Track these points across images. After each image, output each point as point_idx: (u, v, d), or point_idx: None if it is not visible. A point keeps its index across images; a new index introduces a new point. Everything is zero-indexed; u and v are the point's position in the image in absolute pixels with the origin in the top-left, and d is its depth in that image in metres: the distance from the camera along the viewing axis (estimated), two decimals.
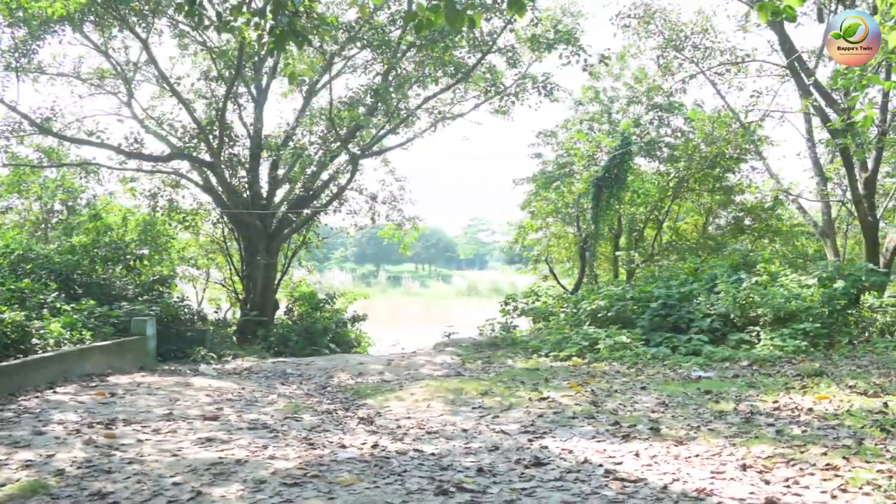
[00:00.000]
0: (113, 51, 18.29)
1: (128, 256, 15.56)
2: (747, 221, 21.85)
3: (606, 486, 4.69)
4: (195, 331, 13.19)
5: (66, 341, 9.61)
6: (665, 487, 4.63)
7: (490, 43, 17.20)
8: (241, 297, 17.64)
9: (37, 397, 7.73)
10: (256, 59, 17.92)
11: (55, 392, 8.05)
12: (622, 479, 4.82)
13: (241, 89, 18.02)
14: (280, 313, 17.70)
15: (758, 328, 11.22)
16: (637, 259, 20.66)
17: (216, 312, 16.87)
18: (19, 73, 16.21)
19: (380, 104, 15.92)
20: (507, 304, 15.28)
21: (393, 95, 16.28)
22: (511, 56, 17.73)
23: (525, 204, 22.53)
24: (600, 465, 5.17)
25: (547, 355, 11.30)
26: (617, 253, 20.93)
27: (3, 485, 4.88)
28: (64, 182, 20.15)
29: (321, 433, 6.30)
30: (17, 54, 16.19)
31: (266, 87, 18.26)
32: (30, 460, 5.37)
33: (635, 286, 13.60)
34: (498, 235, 79.36)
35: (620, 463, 5.26)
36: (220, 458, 5.36)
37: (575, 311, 13.46)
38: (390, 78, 16.62)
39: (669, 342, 11.11)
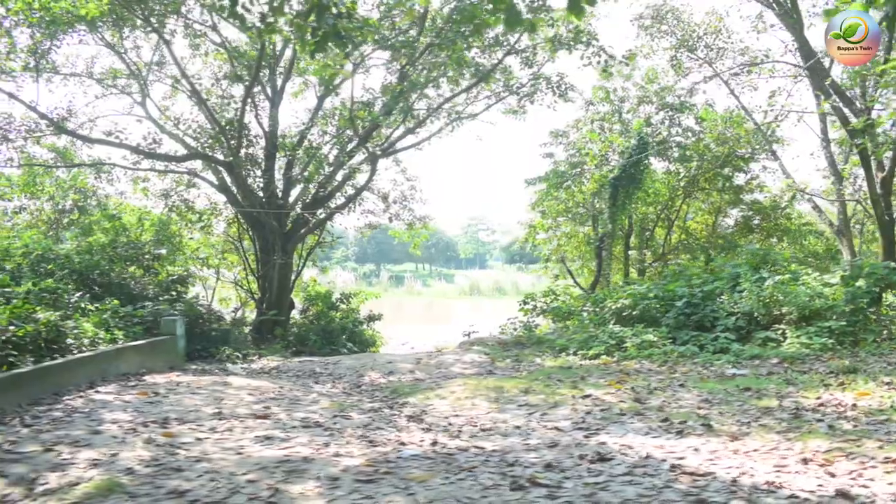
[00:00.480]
0: (128, 51, 18.30)
1: (145, 256, 15.62)
2: (756, 220, 21.98)
3: (676, 479, 4.75)
4: (219, 330, 13.23)
5: (100, 341, 9.65)
6: (735, 481, 4.69)
7: (507, 44, 17.27)
8: (256, 296, 17.67)
9: (81, 397, 7.77)
10: (271, 59, 17.97)
11: (97, 391, 8.09)
12: (690, 474, 4.88)
13: (256, 89, 18.03)
14: (294, 313, 17.74)
15: (783, 326, 11.31)
16: (648, 258, 20.79)
17: (233, 312, 16.91)
18: (38, 74, 16.21)
19: (401, 103, 15.95)
20: (525, 303, 15.36)
21: (412, 96, 16.36)
22: (527, 57, 17.80)
23: (536, 203, 22.63)
24: (664, 461, 5.24)
25: (575, 354, 11.40)
26: (629, 252, 21.04)
27: (76, 484, 4.92)
28: (76, 182, 20.16)
29: (375, 431, 6.36)
30: (35, 55, 16.22)
31: (281, 88, 18.30)
32: (96, 459, 5.41)
33: (658, 285, 13.67)
34: (498, 235, 79.51)
35: (683, 458, 5.32)
36: (286, 456, 5.41)
37: (598, 309, 13.56)
38: (408, 79, 16.67)
39: (696, 340, 11.20)
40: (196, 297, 15.10)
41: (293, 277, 17.82)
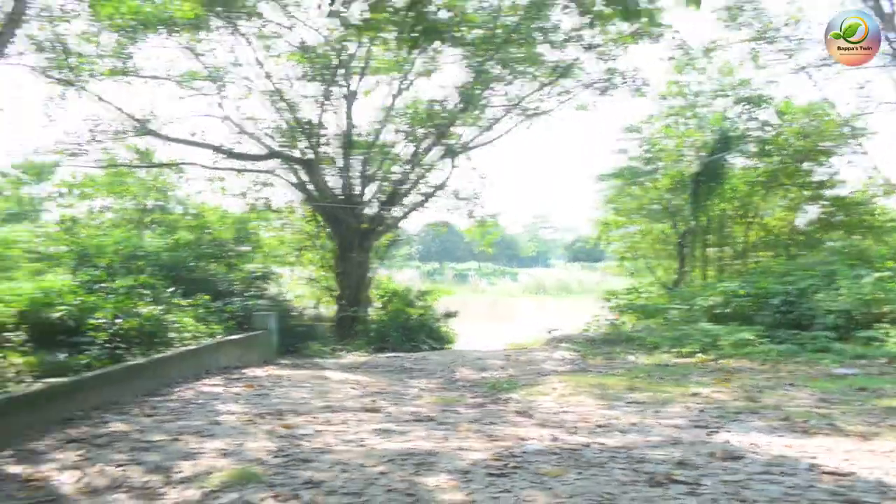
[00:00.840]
0: (205, 53, 18.65)
1: (228, 253, 15.96)
2: (838, 217, 21.26)
3: (818, 479, 4.61)
4: (305, 326, 13.42)
5: (200, 335, 9.87)
6: (881, 481, 4.54)
7: (579, 39, 17.08)
8: (334, 293, 17.88)
9: (190, 388, 7.95)
10: (347, 58, 18.14)
11: (204, 384, 8.27)
12: (832, 473, 4.73)
13: (332, 88, 18.23)
14: (372, 309, 17.88)
15: (885, 325, 10.92)
16: (727, 256, 20.36)
17: (314, 308, 17.15)
18: (124, 77, 16.71)
19: (476, 100, 15.94)
20: (608, 300, 15.20)
21: (488, 93, 16.35)
22: (602, 51, 17.61)
23: (609, 200, 22.40)
24: (798, 460, 5.08)
25: (668, 352, 11.21)
26: (707, 250, 20.63)
27: (210, 472, 5.02)
28: (157, 182, 20.70)
29: (488, 425, 6.34)
30: (120, 58, 16.71)
31: (356, 87, 18.47)
32: (223, 449, 5.52)
33: (749, 282, 13.36)
34: (561, 232, 78.96)
35: (815, 457, 5.16)
36: (409, 449, 5.43)
37: (688, 307, 13.32)
38: (483, 76, 16.66)
39: (795, 339, 10.89)
40: (278, 293, 15.36)
41: (370, 275, 17.99)
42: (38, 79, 16.47)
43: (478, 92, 16.17)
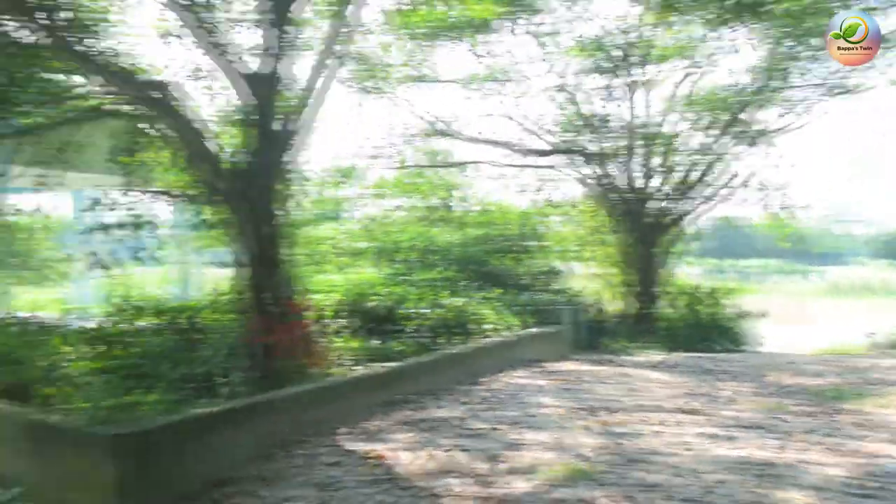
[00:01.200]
0: (487, 56, 19.13)
1: (514, 248, 16.28)
2: None
3: None
4: (597, 321, 13.26)
5: (500, 327, 10.06)
6: None
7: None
8: (621, 289, 17.48)
9: (497, 379, 8.12)
10: (627, 47, 17.64)
11: (509, 375, 8.39)
12: None
13: (615, 81, 17.84)
14: (660, 306, 17.21)
15: None
16: None
17: (601, 304, 16.90)
18: (418, 82, 17.71)
19: (773, 81, 14.69)
20: None
21: (788, 72, 15.01)
22: None
23: None
24: None
25: None
26: None
27: (535, 465, 5.00)
28: (445, 180, 21.73)
29: (827, 437, 5.68)
30: (411, 65, 17.71)
31: (638, 77, 17.89)
32: (544, 442, 5.50)
33: None
34: (863, 226, 71.28)
35: None
36: (744, 457, 5.02)
37: None
38: (779, 53, 15.31)
39: None
40: (567, 288, 15.33)
41: (659, 271, 17.34)
42: (342, 89, 17.97)
43: (778, 71, 14.87)
